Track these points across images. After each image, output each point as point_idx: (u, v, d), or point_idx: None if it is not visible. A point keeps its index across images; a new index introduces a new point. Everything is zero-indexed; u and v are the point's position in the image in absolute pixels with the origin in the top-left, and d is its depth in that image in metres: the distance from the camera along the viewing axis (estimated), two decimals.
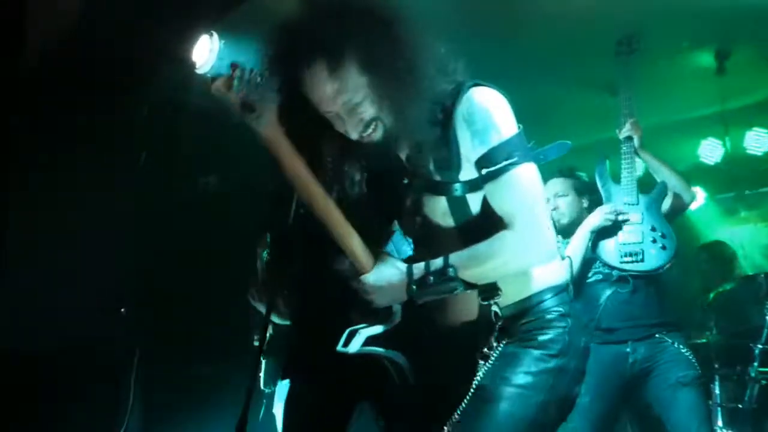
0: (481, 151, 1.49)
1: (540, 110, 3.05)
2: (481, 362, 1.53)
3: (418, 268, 1.51)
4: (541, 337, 1.52)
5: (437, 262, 1.50)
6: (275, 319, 2.76)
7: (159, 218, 3.66)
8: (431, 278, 1.48)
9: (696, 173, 4.76)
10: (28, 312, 3.26)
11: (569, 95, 4.50)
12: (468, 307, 1.57)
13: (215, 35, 3.49)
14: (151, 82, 3.41)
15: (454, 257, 1.49)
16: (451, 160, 1.52)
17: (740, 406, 3.71)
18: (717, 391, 3.77)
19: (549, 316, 1.54)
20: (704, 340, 3.91)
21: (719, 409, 3.73)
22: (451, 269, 1.46)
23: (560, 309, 1.55)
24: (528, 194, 1.47)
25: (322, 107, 1.53)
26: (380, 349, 1.57)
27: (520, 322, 1.56)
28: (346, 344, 1.55)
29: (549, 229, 1.51)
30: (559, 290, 1.58)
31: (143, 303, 3.56)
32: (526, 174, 1.48)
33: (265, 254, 2.71)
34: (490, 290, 1.53)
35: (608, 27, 3.67)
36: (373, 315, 1.57)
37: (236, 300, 2.80)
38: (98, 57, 3.17)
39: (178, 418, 3.65)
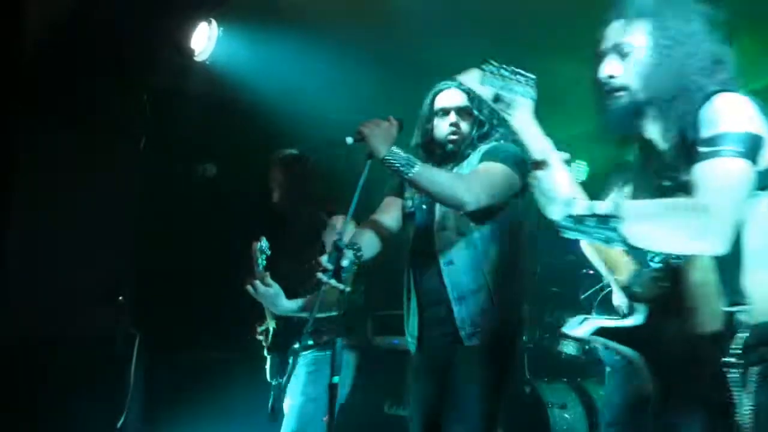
0: (705, 135, 1.47)
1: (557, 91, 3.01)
2: (732, 374, 1.48)
3: (583, 203, 1.55)
4: None
5: (605, 206, 1.50)
6: (277, 311, 2.77)
7: (160, 202, 3.68)
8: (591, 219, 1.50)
9: None
10: (28, 300, 3.28)
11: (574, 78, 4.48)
12: (712, 313, 1.52)
13: (214, 22, 3.53)
14: (151, 68, 3.42)
15: (626, 209, 1.48)
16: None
17: None
18: None
19: None
20: None
21: None
22: (613, 220, 1.47)
23: None
24: (725, 183, 1.42)
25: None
26: (615, 344, 1.59)
27: None
28: (577, 329, 1.62)
29: (731, 223, 1.43)
30: None
31: (145, 288, 3.57)
32: (734, 166, 1.42)
33: (264, 246, 2.71)
34: (737, 294, 1.50)
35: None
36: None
37: (240, 284, 2.81)
38: (98, 42, 3.19)
39: (185, 404, 3.65)
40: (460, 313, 2.35)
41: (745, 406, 1.43)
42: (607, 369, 3.21)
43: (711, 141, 1.45)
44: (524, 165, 2.40)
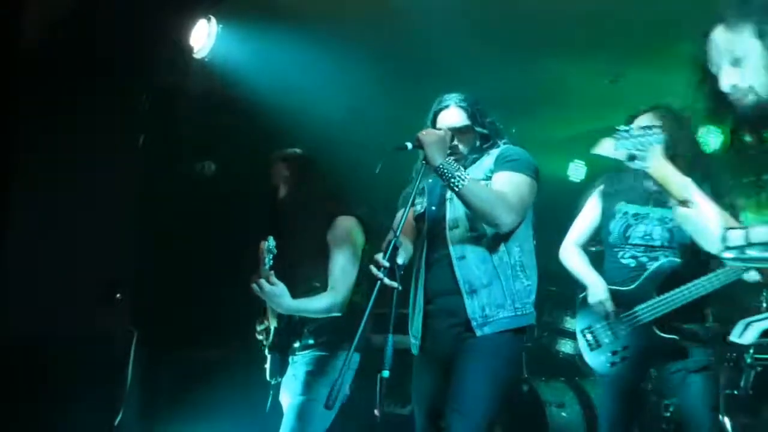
0: None
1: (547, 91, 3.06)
2: None
3: (737, 233, 1.55)
4: None
5: (762, 232, 1.52)
6: (282, 310, 2.77)
7: (160, 201, 3.67)
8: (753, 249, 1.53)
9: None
10: (27, 299, 3.28)
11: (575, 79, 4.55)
12: None
13: (213, 20, 3.53)
14: (150, 65, 3.42)
15: None
16: None
17: (736, 392, 3.76)
18: None
19: None
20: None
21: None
22: None
23: None
24: None
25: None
26: None
27: None
28: (741, 336, 1.63)
29: None
30: None
31: (144, 286, 3.57)
32: None
33: (271, 245, 2.71)
34: None
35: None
36: None
37: (241, 282, 2.81)
38: (98, 39, 3.18)
39: (183, 403, 3.67)
40: (472, 306, 2.42)
41: None
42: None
43: None
44: (536, 167, 2.56)
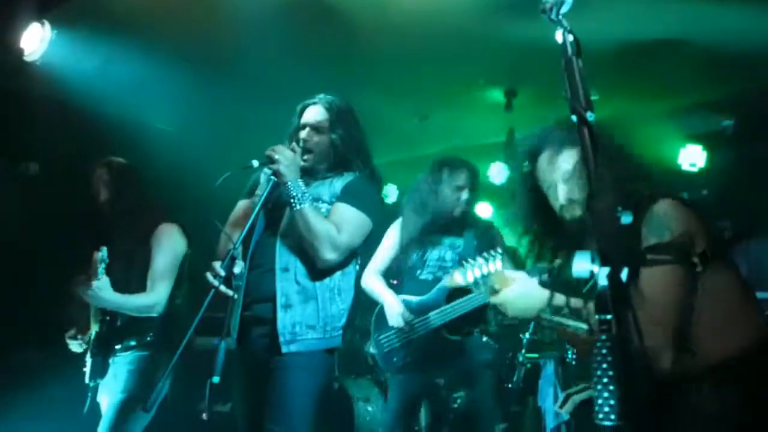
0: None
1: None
2: None
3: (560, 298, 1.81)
4: None
5: (575, 301, 1.76)
6: (101, 303, 2.85)
7: None
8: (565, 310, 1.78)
9: (486, 191, 5.50)
10: None
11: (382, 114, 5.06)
12: None
13: (47, 24, 3.51)
14: None
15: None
16: None
17: (510, 385, 4.43)
18: None
19: None
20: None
21: None
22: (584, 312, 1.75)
23: None
24: None
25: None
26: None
27: None
28: (562, 406, 1.83)
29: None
30: None
31: None
32: None
33: (104, 255, 2.75)
34: None
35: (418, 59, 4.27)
36: None
37: (62, 282, 2.84)
38: None
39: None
40: (283, 320, 2.36)
41: None
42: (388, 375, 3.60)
43: None
44: (380, 206, 2.65)
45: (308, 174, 2.55)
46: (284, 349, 2.35)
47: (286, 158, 2.37)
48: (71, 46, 3.62)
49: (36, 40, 3.46)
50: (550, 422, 4.30)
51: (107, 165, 3.17)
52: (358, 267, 2.63)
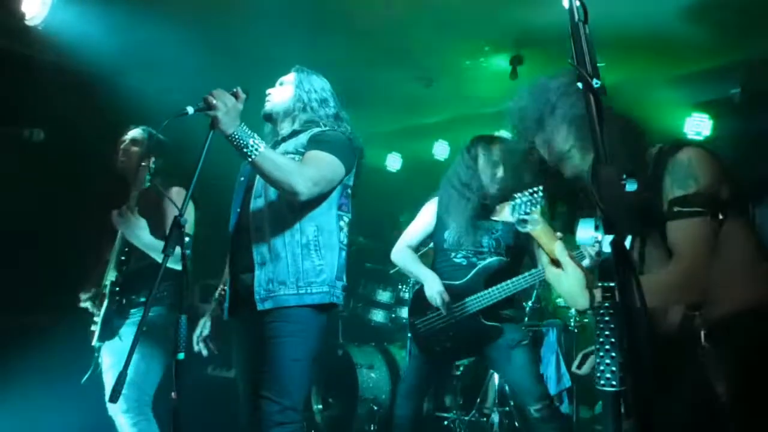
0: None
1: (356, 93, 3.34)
2: None
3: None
4: None
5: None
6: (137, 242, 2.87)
7: None
8: None
9: None
10: None
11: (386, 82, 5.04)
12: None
13: None
14: None
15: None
16: None
17: None
18: None
19: None
20: None
21: None
22: None
23: None
24: None
25: None
26: None
27: None
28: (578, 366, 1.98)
29: None
30: None
31: None
32: None
33: None
34: None
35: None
36: None
37: (71, 245, 2.85)
38: None
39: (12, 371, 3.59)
40: (259, 278, 2.37)
41: None
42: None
43: None
44: (351, 152, 2.50)
45: (277, 137, 2.61)
46: (259, 307, 2.35)
47: (225, 104, 2.12)
48: (74, 11, 3.59)
49: (37, 3, 3.43)
50: (552, 389, 4.38)
51: (129, 136, 3.23)
52: (345, 226, 2.56)
